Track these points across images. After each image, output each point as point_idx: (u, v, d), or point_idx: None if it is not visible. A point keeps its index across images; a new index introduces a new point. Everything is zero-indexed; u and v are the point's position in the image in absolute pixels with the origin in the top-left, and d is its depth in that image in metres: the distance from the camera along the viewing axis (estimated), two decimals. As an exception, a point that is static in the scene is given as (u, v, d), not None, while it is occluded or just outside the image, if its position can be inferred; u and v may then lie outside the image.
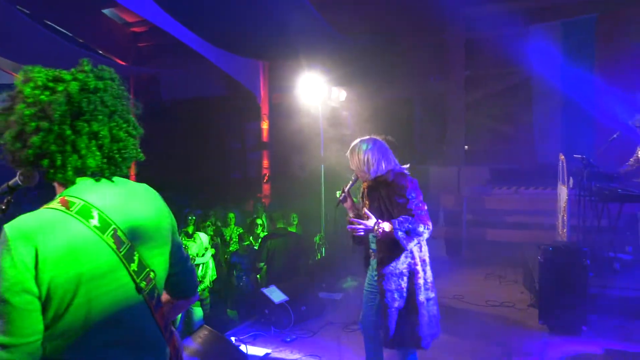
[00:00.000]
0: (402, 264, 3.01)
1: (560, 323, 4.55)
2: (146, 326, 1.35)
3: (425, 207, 3.02)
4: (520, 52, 8.26)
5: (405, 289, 3.02)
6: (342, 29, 8.50)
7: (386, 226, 2.83)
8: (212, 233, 7.00)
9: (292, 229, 6.95)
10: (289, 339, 4.54)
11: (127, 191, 1.39)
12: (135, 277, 1.30)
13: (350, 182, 3.21)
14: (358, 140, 3.13)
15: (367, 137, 3.17)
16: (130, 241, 1.30)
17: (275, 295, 4.96)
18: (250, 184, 12.29)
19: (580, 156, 5.48)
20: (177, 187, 11.74)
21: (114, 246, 1.26)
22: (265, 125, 11.53)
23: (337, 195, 3.36)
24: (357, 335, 4.65)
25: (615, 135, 5.84)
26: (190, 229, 6.36)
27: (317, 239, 7.47)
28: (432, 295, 3.11)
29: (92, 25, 11.00)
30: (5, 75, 12.39)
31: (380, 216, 2.98)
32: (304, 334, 4.70)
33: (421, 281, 3.03)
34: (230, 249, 7.32)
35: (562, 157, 5.73)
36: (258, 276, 6.70)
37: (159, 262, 1.39)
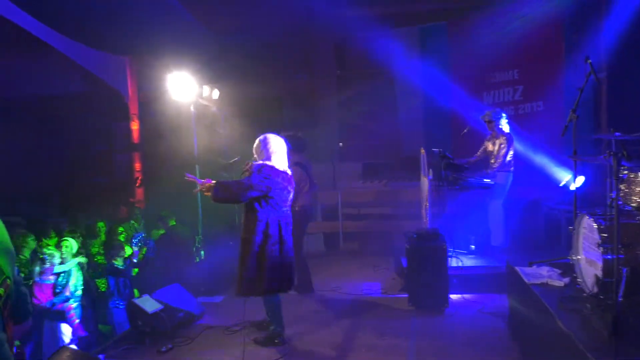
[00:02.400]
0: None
1: (426, 303, 4.95)
2: None
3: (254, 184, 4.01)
4: (384, 53, 8.80)
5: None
6: (212, 26, 8.33)
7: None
8: (79, 244, 6.41)
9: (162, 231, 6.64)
10: (164, 349, 4.32)
11: None
12: None
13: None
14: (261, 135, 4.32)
15: (269, 133, 4.35)
16: None
17: (149, 304, 4.68)
18: (119, 189, 11.44)
19: (437, 150, 6.00)
20: (33, 196, 10.58)
21: None
22: (135, 126, 10.84)
23: None
24: (238, 336, 4.59)
25: (465, 130, 6.49)
26: (52, 241, 5.80)
27: (196, 241, 7.20)
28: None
29: None
30: None
31: None
32: (181, 342, 4.50)
33: None
34: (96, 259, 6.75)
35: (422, 150, 6.21)
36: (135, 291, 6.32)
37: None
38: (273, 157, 4.21)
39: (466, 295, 5.28)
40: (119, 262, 5.92)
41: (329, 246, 8.12)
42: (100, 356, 4.20)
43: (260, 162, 4.17)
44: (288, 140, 5.43)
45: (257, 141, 4.31)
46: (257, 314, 4.69)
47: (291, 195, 4.36)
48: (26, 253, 5.62)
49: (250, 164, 4.20)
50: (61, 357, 3.66)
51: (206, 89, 7.39)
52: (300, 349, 4.34)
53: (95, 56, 9.51)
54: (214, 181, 4.04)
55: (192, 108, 6.87)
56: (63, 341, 5.00)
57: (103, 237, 6.86)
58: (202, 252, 7.16)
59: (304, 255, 5.78)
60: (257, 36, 8.39)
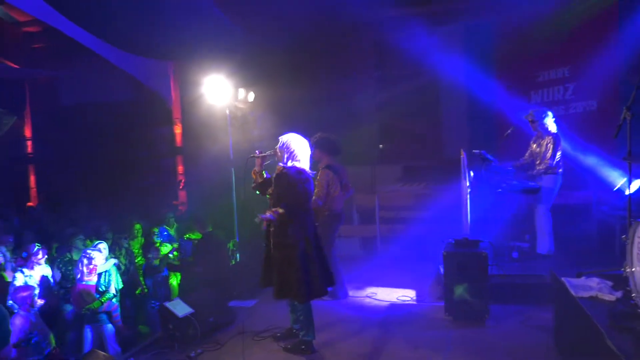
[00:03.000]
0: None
1: (464, 314, 4.68)
2: None
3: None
4: (426, 52, 8.53)
5: None
6: (248, 28, 8.34)
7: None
8: (127, 245, 6.60)
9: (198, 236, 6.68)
10: (193, 354, 4.28)
11: None
12: None
13: (270, 151, 4.23)
14: (285, 133, 4.18)
15: (291, 133, 4.20)
16: None
17: (180, 308, 4.67)
18: (164, 192, 11.71)
19: (477, 151, 5.70)
20: (82, 198, 10.96)
21: None
22: (178, 130, 11.09)
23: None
24: (267, 343, 4.51)
25: (509, 131, 6.13)
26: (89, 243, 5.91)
27: (230, 244, 7.22)
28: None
29: (-24, 24, 9.98)
30: None
31: (278, 200, 4.05)
32: (210, 348, 4.45)
33: None
34: (137, 260, 6.89)
35: (462, 153, 5.93)
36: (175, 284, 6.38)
37: None
38: (301, 159, 4.12)
39: (508, 306, 4.96)
40: (156, 262, 5.98)
41: (366, 250, 7.91)
42: None
43: (291, 164, 4.08)
44: (321, 143, 5.33)
45: (282, 141, 4.16)
46: (288, 320, 4.59)
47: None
48: (75, 255, 5.74)
49: (281, 168, 4.12)
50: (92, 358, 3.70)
51: (241, 92, 7.39)
52: (330, 358, 4.20)
53: (141, 64, 9.79)
54: (280, 210, 3.93)
55: (227, 111, 6.89)
56: (108, 343, 4.97)
57: (140, 238, 6.99)
58: (238, 255, 7.17)
59: (335, 260, 5.63)
60: (294, 38, 8.31)
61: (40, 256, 5.34)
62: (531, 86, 7.96)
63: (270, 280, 4.19)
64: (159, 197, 11.26)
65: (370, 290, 5.96)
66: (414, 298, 5.61)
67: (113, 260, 5.50)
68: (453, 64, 8.56)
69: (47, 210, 10.16)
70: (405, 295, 5.71)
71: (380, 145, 10.51)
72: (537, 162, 5.89)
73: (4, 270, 5.66)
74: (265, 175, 4.34)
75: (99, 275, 5.25)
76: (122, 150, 11.91)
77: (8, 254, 5.95)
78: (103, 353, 3.77)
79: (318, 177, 5.14)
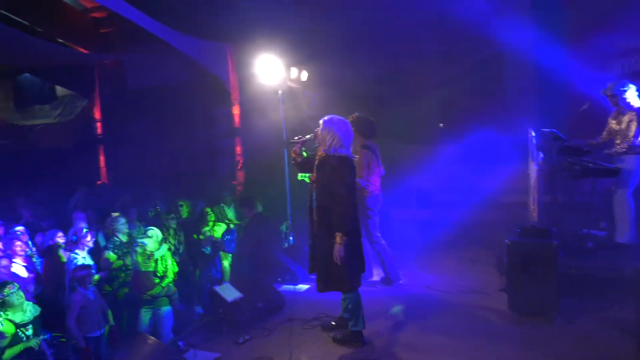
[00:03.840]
0: None
1: (530, 309, 4.28)
2: None
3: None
4: (491, 25, 7.92)
5: None
6: (305, 4, 8.08)
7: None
8: (174, 226, 6.63)
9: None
10: (241, 340, 4.21)
11: None
12: None
13: (310, 135, 4.01)
14: (328, 116, 3.86)
15: (333, 115, 3.88)
16: None
17: (229, 292, 4.62)
18: (223, 172, 11.88)
19: (548, 130, 5.17)
20: (146, 177, 11.30)
21: None
22: (236, 111, 11.15)
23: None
24: (315, 332, 4.37)
25: (585, 107, 5.52)
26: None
27: (283, 227, 7.12)
28: None
29: (49, 12, 10.37)
30: None
31: (322, 189, 3.82)
32: (259, 334, 4.37)
33: None
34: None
35: (531, 132, 5.41)
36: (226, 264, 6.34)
37: None
38: (345, 144, 3.84)
39: (581, 302, 4.49)
40: (207, 249, 5.98)
41: (424, 236, 7.57)
42: (180, 343, 4.22)
43: (334, 151, 3.81)
44: (358, 123, 5.06)
45: (324, 125, 3.84)
46: (339, 308, 4.41)
47: None
48: (123, 237, 5.81)
49: (324, 154, 3.86)
50: (141, 345, 3.71)
51: (294, 71, 7.18)
52: (381, 350, 3.98)
53: (200, 46, 9.85)
54: (340, 239, 3.72)
55: (279, 91, 6.72)
56: (164, 327, 4.94)
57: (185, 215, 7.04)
58: (291, 239, 7.06)
59: (382, 246, 5.38)
60: (349, 12, 7.97)
61: (88, 239, 5.47)
62: (610, 56, 7.18)
63: (316, 268, 4.03)
64: (218, 178, 11.45)
65: (426, 278, 5.66)
66: (475, 289, 5.24)
67: (167, 245, 5.52)
68: (519, 34, 7.88)
69: (112, 189, 10.60)
70: (464, 285, 5.36)
71: (441, 124, 10.01)
72: (617, 141, 5.26)
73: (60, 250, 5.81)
74: (305, 155, 4.17)
75: (156, 260, 5.23)
76: (184, 132, 12.19)
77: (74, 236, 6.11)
78: (152, 338, 3.77)
79: (357, 157, 4.89)
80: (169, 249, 5.56)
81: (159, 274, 5.11)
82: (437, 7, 8.95)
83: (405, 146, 9.05)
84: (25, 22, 9.69)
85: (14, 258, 5.24)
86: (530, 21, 8.02)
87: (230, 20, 8.44)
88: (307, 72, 7.43)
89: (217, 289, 4.69)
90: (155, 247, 5.11)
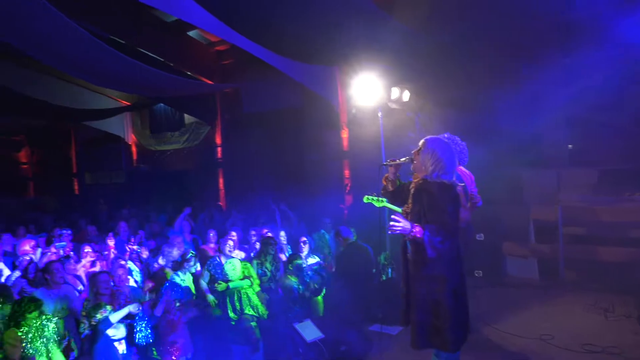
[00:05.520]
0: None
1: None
2: None
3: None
4: (632, 30, 6.76)
5: None
6: (406, 20, 7.64)
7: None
8: (273, 252, 6.52)
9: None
10: (316, 388, 3.85)
11: None
12: None
13: (406, 158, 3.30)
14: (429, 137, 3.22)
15: (437, 136, 3.26)
16: None
17: (309, 331, 4.29)
18: (330, 196, 11.81)
19: None
20: (256, 200, 11.62)
21: None
22: (345, 134, 11.09)
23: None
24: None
25: None
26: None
27: (382, 258, 6.62)
28: None
29: (179, 48, 11.39)
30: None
31: (418, 220, 3.11)
32: (337, 382, 3.97)
33: None
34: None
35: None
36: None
37: None
38: (450, 170, 3.14)
39: None
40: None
41: (545, 275, 6.52)
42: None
43: (436, 177, 3.13)
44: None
45: (426, 147, 3.15)
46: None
47: None
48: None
49: (421, 180, 3.18)
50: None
51: (395, 91, 6.76)
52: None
53: (309, 71, 9.98)
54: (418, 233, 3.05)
55: (379, 112, 6.35)
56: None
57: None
58: (390, 270, 6.54)
59: None
60: (459, 25, 7.32)
61: (192, 263, 5.41)
62: None
63: (410, 319, 3.29)
64: (326, 201, 11.35)
65: (543, 330, 4.77)
66: (607, 349, 4.26)
67: (251, 282, 5.28)
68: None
69: (225, 210, 11.06)
70: (593, 344, 4.39)
71: (570, 145, 8.73)
72: None
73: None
74: (399, 182, 3.49)
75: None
76: (292, 153, 12.44)
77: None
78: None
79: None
80: (265, 274, 5.49)
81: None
82: (561, 12, 7.92)
83: (526, 169, 8.03)
84: (160, 58, 10.74)
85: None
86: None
87: (337, 41, 8.36)
88: (409, 92, 6.94)
89: (297, 326, 4.38)
90: (234, 276, 5.02)
